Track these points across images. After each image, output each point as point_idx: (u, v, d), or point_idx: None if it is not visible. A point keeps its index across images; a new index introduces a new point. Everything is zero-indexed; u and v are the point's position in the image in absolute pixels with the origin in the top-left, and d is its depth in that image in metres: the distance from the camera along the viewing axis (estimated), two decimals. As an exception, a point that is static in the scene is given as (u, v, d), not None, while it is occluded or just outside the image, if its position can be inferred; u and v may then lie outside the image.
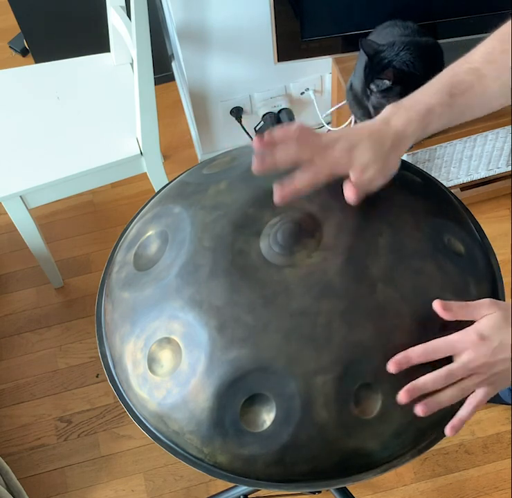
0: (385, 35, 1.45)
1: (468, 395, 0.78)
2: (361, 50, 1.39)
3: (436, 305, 0.77)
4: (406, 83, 1.34)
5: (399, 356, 0.75)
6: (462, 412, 0.78)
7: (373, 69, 1.36)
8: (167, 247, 0.86)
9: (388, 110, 0.83)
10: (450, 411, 0.81)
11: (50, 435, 1.77)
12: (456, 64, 0.84)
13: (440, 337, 0.76)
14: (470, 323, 0.77)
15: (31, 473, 1.72)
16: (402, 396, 0.75)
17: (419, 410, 0.75)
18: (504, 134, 1.73)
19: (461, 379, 0.76)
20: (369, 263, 0.80)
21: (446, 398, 0.76)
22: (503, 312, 0.76)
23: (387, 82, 1.34)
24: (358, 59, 1.53)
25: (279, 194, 0.80)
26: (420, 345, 0.76)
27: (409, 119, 0.81)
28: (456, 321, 0.78)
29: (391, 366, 0.75)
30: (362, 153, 0.80)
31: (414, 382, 0.75)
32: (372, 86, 1.37)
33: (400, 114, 0.82)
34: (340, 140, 0.80)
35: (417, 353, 0.75)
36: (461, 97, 0.82)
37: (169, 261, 0.84)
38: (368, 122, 0.83)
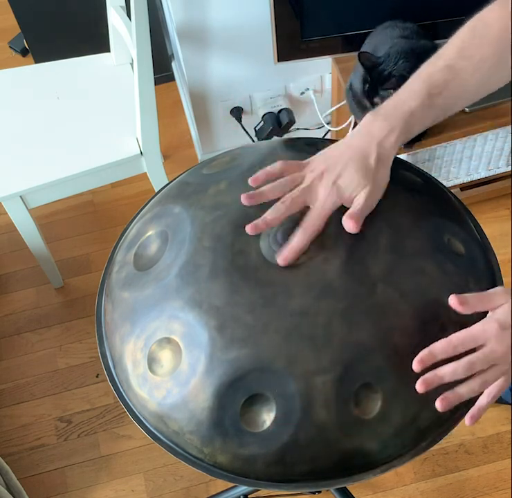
0: (385, 36, 1.45)
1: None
2: (356, 74, 1.39)
3: (453, 300, 0.75)
4: None
5: (423, 353, 0.73)
6: (482, 402, 0.76)
7: (374, 82, 1.36)
8: (167, 247, 0.86)
9: (367, 119, 0.82)
10: (450, 412, 0.81)
11: (50, 435, 1.77)
12: (431, 63, 0.84)
13: (441, 337, 0.76)
14: (473, 319, 0.76)
15: (31, 473, 1.72)
16: (419, 385, 0.72)
17: (439, 405, 0.73)
18: (504, 134, 1.73)
19: (481, 371, 0.74)
20: (369, 263, 0.80)
21: (467, 390, 0.74)
22: None
23: (392, 92, 1.35)
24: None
25: (253, 228, 0.80)
26: (442, 340, 0.74)
27: (391, 127, 0.81)
28: (456, 320, 0.78)
29: (416, 365, 0.73)
30: (349, 183, 0.80)
31: (432, 371, 0.73)
32: (376, 100, 1.37)
33: (381, 123, 0.81)
34: (325, 175, 0.80)
35: (441, 348, 0.74)
36: (440, 97, 0.82)
37: (169, 261, 0.84)
38: (350, 140, 0.82)
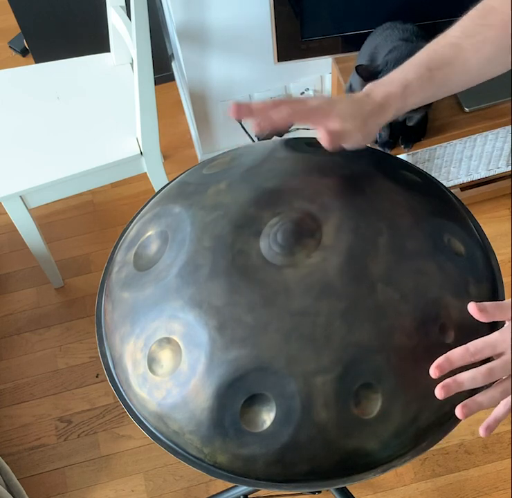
0: (384, 38, 1.45)
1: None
2: (355, 74, 1.39)
3: (472, 308, 0.74)
4: None
5: (441, 360, 0.73)
6: (499, 412, 0.75)
7: None
8: (167, 247, 0.86)
9: (367, 87, 0.85)
10: (450, 412, 0.81)
11: (50, 435, 1.77)
12: (435, 41, 0.86)
13: (441, 337, 0.76)
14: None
15: (31, 473, 1.72)
16: (439, 392, 0.72)
17: (459, 413, 0.73)
18: (504, 134, 1.73)
19: (500, 380, 0.73)
20: (369, 263, 0.80)
21: (487, 399, 0.73)
22: None
23: None
24: (357, 60, 1.53)
25: (235, 109, 0.80)
26: (460, 347, 0.73)
27: (388, 92, 0.83)
28: (456, 320, 0.78)
29: (433, 372, 0.72)
30: (342, 107, 0.83)
31: (452, 377, 0.72)
32: None
33: (379, 89, 0.84)
34: (322, 98, 0.84)
35: (459, 355, 0.73)
36: (440, 71, 0.84)
37: (169, 261, 0.84)
38: (349, 96, 0.86)
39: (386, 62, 1.36)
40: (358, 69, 1.36)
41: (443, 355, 0.73)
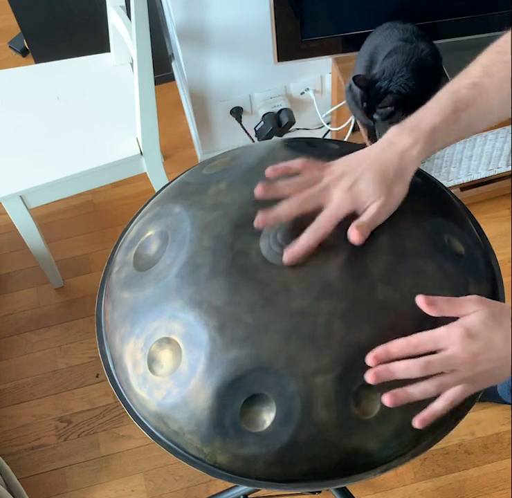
0: (384, 38, 1.45)
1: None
2: (353, 85, 1.39)
3: (420, 300, 0.74)
4: (407, 104, 1.36)
5: (378, 349, 0.73)
6: (436, 406, 0.74)
7: (372, 100, 1.37)
8: (167, 247, 0.86)
9: (392, 132, 0.82)
10: (450, 412, 0.81)
11: (50, 435, 1.77)
12: (456, 80, 0.84)
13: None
14: None
15: (31, 473, 1.72)
16: (368, 376, 0.72)
17: (386, 400, 0.72)
18: (504, 134, 1.73)
19: (440, 374, 0.73)
20: (369, 263, 0.80)
21: (419, 390, 0.72)
22: (491, 310, 0.73)
23: (389, 109, 1.35)
24: (357, 60, 1.53)
25: (262, 220, 0.80)
26: (402, 338, 0.73)
27: (415, 139, 0.80)
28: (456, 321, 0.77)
29: (370, 360, 0.72)
30: (365, 191, 0.80)
31: (385, 364, 0.72)
32: (376, 116, 1.38)
33: (404, 136, 0.81)
34: (344, 178, 0.80)
35: (398, 346, 0.73)
36: (464, 113, 0.82)
37: (169, 261, 0.84)
38: (372, 148, 0.82)
39: (383, 70, 1.36)
40: (356, 80, 1.36)
41: (383, 345, 0.73)
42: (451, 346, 0.72)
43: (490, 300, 0.76)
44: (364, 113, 1.40)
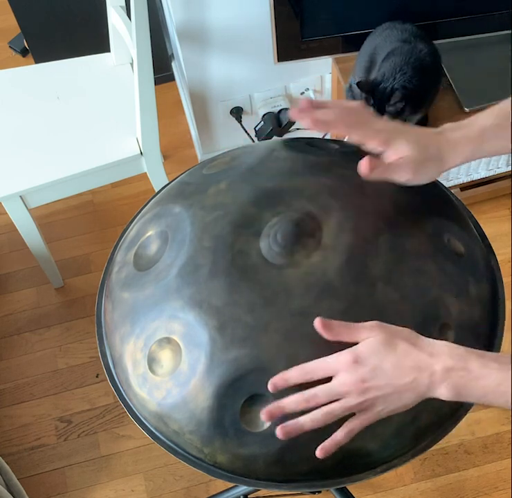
0: (384, 39, 1.46)
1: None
2: (354, 85, 1.41)
3: (317, 323, 0.73)
4: (414, 98, 1.39)
5: (276, 378, 0.73)
6: (337, 436, 0.73)
7: (380, 101, 1.39)
8: (167, 247, 0.86)
9: (446, 125, 0.84)
10: (450, 412, 0.81)
11: (50, 435, 1.77)
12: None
13: (441, 338, 0.76)
14: None
15: (31, 473, 1.72)
16: (263, 415, 0.72)
17: (278, 432, 0.72)
18: (504, 134, 1.73)
19: (330, 402, 0.72)
20: (369, 263, 0.80)
21: (307, 421, 0.72)
22: (386, 336, 0.72)
23: (399, 104, 1.38)
24: (356, 60, 1.53)
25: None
26: (297, 366, 0.73)
27: (466, 135, 0.82)
28: (456, 320, 0.77)
29: (270, 387, 0.73)
30: (404, 140, 0.80)
31: (276, 402, 0.72)
32: (387, 116, 1.40)
33: (456, 129, 0.83)
34: (393, 124, 0.82)
35: (294, 374, 0.73)
36: None
37: (169, 261, 0.84)
38: (425, 128, 0.84)
39: (383, 73, 1.38)
40: (360, 85, 1.39)
41: (280, 373, 0.73)
42: (339, 372, 0.71)
43: (390, 326, 0.74)
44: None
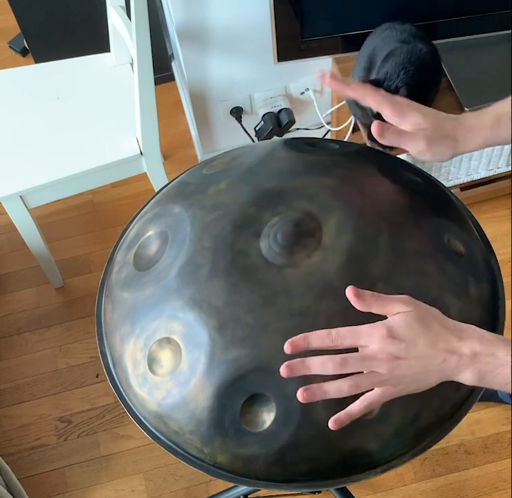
0: (383, 38, 1.46)
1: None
2: (355, 75, 1.41)
3: (349, 291, 0.70)
4: (415, 97, 1.38)
5: (298, 337, 0.69)
6: (352, 408, 0.71)
7: None
8: (167, 247, 0.86)
9: (465, 113, 0.87)
10: (450, 412, 0.81)
11: (50, 435, 1.77)
12: None
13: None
14: None
15: (31, 473, 1.72)
16: (283, 368, 0.68)
17: (299, 395, 0.68)
18: (504, 134, 1.73)
19: (358, 373, 0.69)
20: (369, 263, 0.80)
21: (333, 388, 0.69)
22: (420, 313, 0.70)
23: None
24: (356, 60, 1.53)
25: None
26: (322, 330, 0.70)
27: (481, 121, 0.85)
28: (456, 320, 0.77)
29: (287, 346, 0.69)
30: (420, 113, 0.84)
31: (301, 358, 0.69)
32: None
33: (473, 117, 0.85)
34: (413, 102, 0.86)
35: (318, 337, 0.69)
36: None
37: (169, 261, 0.84)
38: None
39: (386, 72, 1.38)
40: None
41: (302, 334, 0.69)
42: (371, 344, 0.69)
43: (422, 303, 0.72)
44: (373, 114, 1.41)
